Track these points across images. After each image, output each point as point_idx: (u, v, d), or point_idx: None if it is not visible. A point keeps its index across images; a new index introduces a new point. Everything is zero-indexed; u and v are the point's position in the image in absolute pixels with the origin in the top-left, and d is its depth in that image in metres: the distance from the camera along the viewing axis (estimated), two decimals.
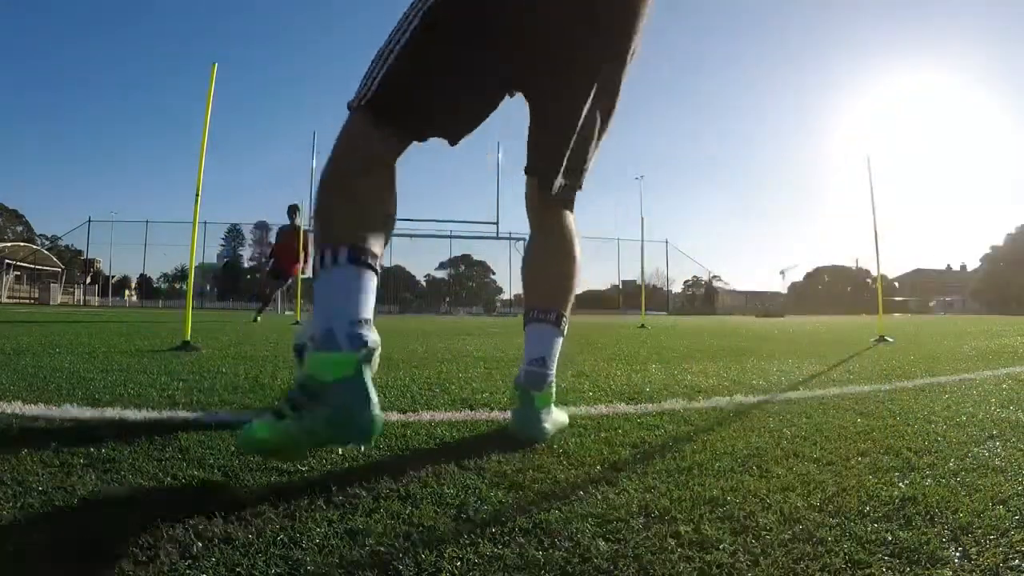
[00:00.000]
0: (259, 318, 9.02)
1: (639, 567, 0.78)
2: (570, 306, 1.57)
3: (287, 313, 16.54)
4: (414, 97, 1.30)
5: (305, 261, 9.17)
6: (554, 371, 1.49)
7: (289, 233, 9.25)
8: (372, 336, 1.15)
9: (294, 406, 1.06)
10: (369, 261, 1.21)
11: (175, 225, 32.94)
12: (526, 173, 1.57)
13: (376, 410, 1.06)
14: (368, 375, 1.09)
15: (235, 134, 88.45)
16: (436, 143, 1.38)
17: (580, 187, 1.58)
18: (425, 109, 1.33)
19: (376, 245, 1.24)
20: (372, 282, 1.21)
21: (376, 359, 1.19)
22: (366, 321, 1.16)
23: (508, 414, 1.64)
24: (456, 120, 1.40)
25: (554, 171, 1.50)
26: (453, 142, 1.41)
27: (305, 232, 9.26)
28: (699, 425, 1.60)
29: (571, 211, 1.61)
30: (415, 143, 1.36)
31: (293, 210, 9.31)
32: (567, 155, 1.48)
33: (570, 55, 1.37)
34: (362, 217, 1.26)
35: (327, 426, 1.04)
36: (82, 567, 0.75)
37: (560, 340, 1.53)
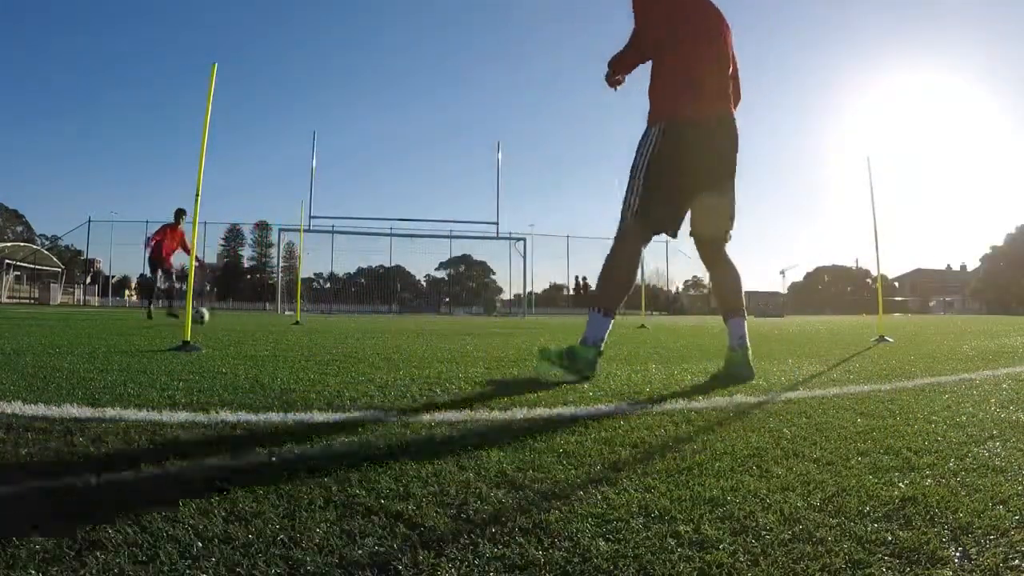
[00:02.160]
0: (153, 313, 9.72)
1: (639, 567, 0.78)
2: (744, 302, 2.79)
3: (287, 313, 16.55)
4: (659, 213, 2.64)
5: (167, 253, 10.18)
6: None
7: (170, 231, 10.23)
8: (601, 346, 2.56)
9: (563, 359, 2.46)
10: (612, 316, 2.59)
11: None
12: (698, 240, 2.79)
13: (596, 371, 2.54)
14: (598, 358, 2.54)
15: (235, 134, 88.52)
16: None
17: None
18: (667, 219, 2.67)
19: (618, 305, 2.61)
20: (611, 322, 2.59)
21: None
22: (602, 340, 2.56)
23: (509, 413, 1.66)
24: (677, 222, 2.70)
25: (727, 234, 2.78)
26: (675, 235, 2.73)
27: (183, 232, 10.35)
28: (699, 425, 1.60)
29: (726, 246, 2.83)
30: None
31: (181, 213, 10.29)
32: (731, 222, 2.75)
33: (725, 176, 2.70)
34: (620, 293, 2.62)
35: (576, 371, 2.44)
36: (82, 567, 0.75)
37: (745, 323, 2.70)
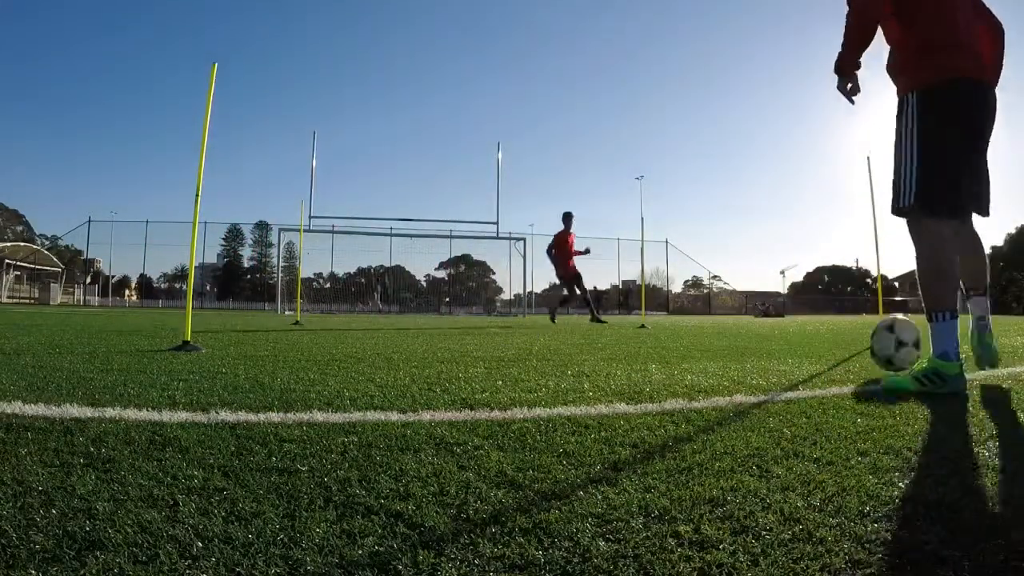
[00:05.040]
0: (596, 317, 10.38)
1: (639, 567, 0.78)
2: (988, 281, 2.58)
3: (287, 313, 16.56)
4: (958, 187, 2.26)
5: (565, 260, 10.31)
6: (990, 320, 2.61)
7: (564, 238, 10.42)
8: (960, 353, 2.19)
9: (931, 380, 2.15)
10: (956, 314, 2.22)
11: (175, 225, 32.97)
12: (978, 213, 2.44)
13: (966, 385, 2.16)
14: (964, 371, 2.16)
15: (235, 134, 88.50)
16: None
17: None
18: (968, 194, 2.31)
19: (951, 301, 2.24)
20: (957, 323, 2.23)
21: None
22: (956, 345, 2.18)
23: (509, 413, 1.66)
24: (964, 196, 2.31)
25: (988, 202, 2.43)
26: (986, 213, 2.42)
27: (571, 235, 10.40)
28: (699, 425, 1.60)
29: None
30: None
31: (569, 217, 10.44)
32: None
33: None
34: (956, 288, 2.29)
35: (948, 391, 2.12)
36: (82, 567, 0.75)
37: (987, 302, 2.59)
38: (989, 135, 2.35)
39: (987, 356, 2.59)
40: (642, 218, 11.54)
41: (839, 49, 2.44)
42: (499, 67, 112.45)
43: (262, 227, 53.95)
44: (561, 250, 10.34)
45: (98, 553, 0.78)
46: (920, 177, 2.25)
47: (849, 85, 2.49)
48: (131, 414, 1.62)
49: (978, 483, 1.10)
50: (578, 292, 10.28)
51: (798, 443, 1.39)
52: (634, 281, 41.13)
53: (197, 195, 4.02)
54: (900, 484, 1.09)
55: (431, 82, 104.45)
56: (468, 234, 28.79)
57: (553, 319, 10.63)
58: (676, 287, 50.99)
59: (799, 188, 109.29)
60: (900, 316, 2.72)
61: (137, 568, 0.75)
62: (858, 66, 2.47)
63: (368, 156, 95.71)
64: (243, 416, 1.62)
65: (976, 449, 1.35)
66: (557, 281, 11.02)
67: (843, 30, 2.41)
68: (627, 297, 36.30)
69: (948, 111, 2.26)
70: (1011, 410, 1.81)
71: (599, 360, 3.39)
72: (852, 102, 2.52)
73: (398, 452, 1.29)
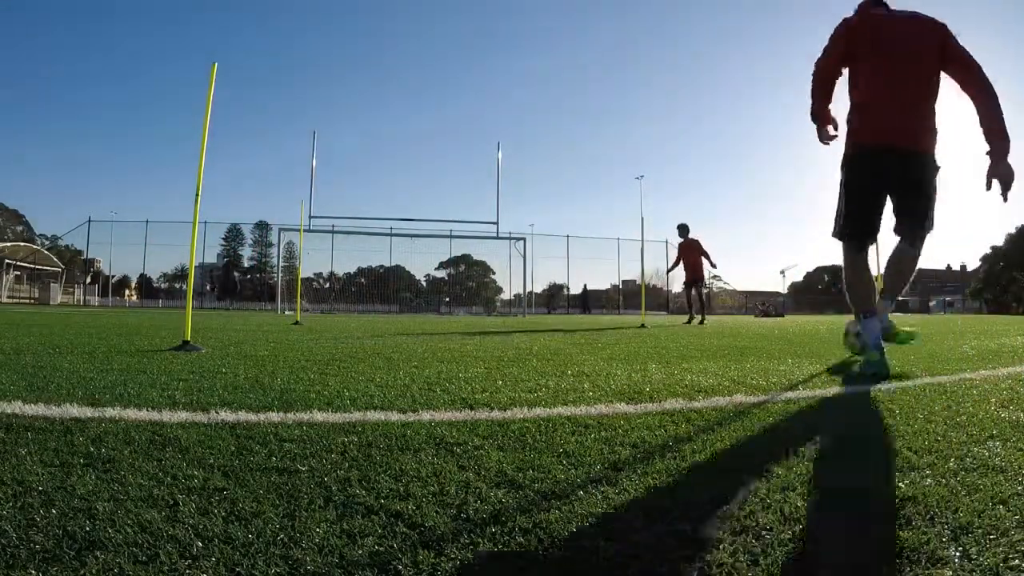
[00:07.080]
0: (701, 320, 10.82)
1: (639, 567, 0.78)
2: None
3: (287, 313, 16.57)
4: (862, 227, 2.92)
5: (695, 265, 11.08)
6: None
7: (688, 245, 11.19)
8: (882, 343, 2.77)
9: (863, 365, 2.72)
10: (875, 314, 2.85)
11: (175, 225, 32.90)
12: (897, 234, 2.95)
13: (887, 368, 2.63)
14: (885, 356, 2.70)
15: (235, 134, 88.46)
16: None
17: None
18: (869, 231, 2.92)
19: (874, 303, 2.89)
20: (878, 320, 2.84)
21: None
22: (879, 339, 2.77)
23: (509, 413, 1.66)
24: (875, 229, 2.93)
25: (921, 232, 2.91)
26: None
27: (699, 243, 11.15)
28: (699, 425, 1.60)
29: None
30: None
31: (685, 228, 11.28)
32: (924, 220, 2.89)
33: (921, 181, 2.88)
34: (869, 296, 2.90)
35: (871, 372, 2.62)
36: (82, 567, 0.75)
37: (891, 304, 3.03)
38: (910, 186, 2.85)
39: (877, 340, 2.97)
40: (642, 218, 11.55)
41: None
42: (499, 67, 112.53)
43: (262, 227, 53.93)
44: (689, 255, 11.15)
45: (98, 553, 0.78)
46: (839, 219, 2.95)
47: (823, 131, 3.02)
48: (131, 414, 1.62)
49: (977, 483, 1.10)
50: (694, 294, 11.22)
51: (798, 443, 1.39)
52: (634, 281, 40.94)
53: (197, 195, 4.02)
54: (900, 484, 1.09)
55: (431, 82, 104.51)
56: (468, 234, 28.78)
57: (702, 320, 10.98)
58: (676, 287, 50.88)
59: (799, 187, 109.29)
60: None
61: (137, 568, 0.75)
62: (829, 117, 3.01)
63: (368, 156, 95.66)
64: (243, 416, 1.63)
65: (976, 449, 1.35)
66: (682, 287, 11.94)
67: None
68: (585, 300, 35.92)
69: (860, 171, 2.89)
70: (1011, 410, 1.81)
71: (599, 360, 3.38)
72: (826, 143, 3.03)
73: (398, 452, 1.29)
